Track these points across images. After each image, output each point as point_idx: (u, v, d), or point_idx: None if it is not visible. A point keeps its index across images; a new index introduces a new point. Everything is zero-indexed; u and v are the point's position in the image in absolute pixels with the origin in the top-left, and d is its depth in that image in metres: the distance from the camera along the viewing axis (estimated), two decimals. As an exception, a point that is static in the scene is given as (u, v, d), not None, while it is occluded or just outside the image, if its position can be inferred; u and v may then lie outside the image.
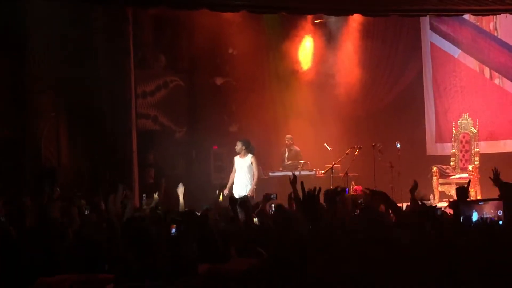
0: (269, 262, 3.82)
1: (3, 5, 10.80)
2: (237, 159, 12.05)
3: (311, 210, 4.85)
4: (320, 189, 5.74)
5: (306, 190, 5.00)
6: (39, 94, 11.66)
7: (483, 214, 5.73)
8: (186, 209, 7.98)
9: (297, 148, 13.73)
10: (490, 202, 5.86)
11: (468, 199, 6.21)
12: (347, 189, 8.77)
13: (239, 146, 12.10)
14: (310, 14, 13.32)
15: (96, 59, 12.24)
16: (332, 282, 3.79)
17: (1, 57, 11.33)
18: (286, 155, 13.71)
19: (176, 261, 4.14)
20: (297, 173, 13.02)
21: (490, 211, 5.76)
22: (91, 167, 12.01)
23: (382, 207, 6.12)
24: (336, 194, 7.41)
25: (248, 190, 11.69)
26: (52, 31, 11.60)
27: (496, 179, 5.82)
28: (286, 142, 13.75)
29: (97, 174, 11.53)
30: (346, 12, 12.03)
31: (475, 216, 5.85)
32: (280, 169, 13.54)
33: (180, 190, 8.82)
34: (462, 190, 5.94)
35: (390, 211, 5.89)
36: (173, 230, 6.54)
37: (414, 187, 6.63)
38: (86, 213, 7.64)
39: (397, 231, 4.80)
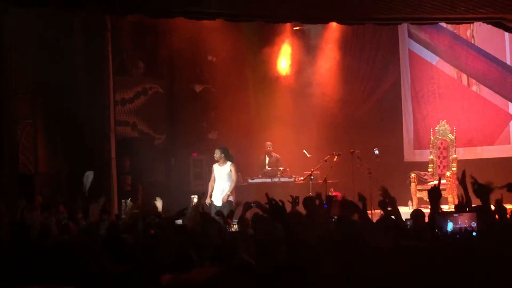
0: (231, 271, 3.81)
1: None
2: (216, 167, 12.03)
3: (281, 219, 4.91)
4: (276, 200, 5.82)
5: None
6: (16, 100, 11.57)
7: (458, 224, 5.75)
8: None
9: (277, 155, 13.78)
10: (465, 214, 5.88)
11: (440, 200, 6.20)
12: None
13: (218, 154, 12.08)
14: (286, 22, 13.32)
15: (75, 66, 12.19)
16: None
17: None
18: (267, 161, 13.75)
19: (147, 268, 4.13)
20: (276, 179, 13.17)
21: (465, 221, 5.77)
22: (69, 174, 11.93)
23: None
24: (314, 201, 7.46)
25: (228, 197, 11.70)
26: (30, 35, 11.54)
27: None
28: (267, 149, 13.79)
29: (75, 181, 11.44)
30: (321, 20, 12.06)
31: (449, 226, 5.88)
32: (260, 176, 13.57)
33: (159, 204, 8.81)
34: (434, 190, 5.94)
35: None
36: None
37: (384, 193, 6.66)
38: (63, 222, 7.57)
39: (370, 237, 4.81)
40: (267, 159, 13.77)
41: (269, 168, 13.62)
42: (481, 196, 5.48)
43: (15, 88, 11.43)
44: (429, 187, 12.68)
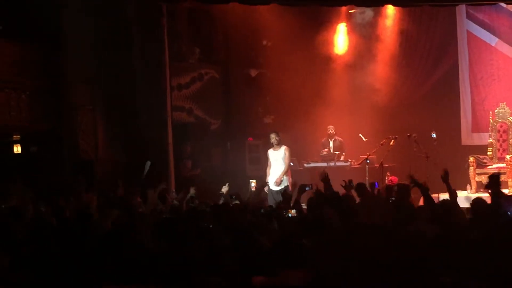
0: (321, 277, 3.81)
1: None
2: (271, 152, 12.06)
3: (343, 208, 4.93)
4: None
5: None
6: (75, 87, 11.83)
7: None
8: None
9: (340, 139, 13.72)
10: None
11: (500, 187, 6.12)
12: (376, 184, 8.74)
13: (276, 138, 12.09)
14: (340, 5, 13.25)
15: (132, 52, 12.37)
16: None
17: (37, 50, 11.52)
18: (331, 145, 13.70)
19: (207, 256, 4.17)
20: (332, 164, 13.11)
21: None
22: (127, 159, 12.14)
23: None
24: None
25: (284, 182, 11.74)
26: (87, 24, 11.75)
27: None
28: (329, 131, 13.73)
29: (134, 167, 11.64)
30: (376, 3, 11.95)
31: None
32: (321, 160, 13.48)
33: (225, 190, 8.88)
34: (494, 178, 5.84)
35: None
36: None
37: (446, 175, 6.59)
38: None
39: (426, 225, 4.78)
40: (331, 142, 13.72)
41: (324, 153, 13.56)
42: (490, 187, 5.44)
43: (74, 76, 11.70)
44: (488, 171, 12.57)
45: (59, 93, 11.62)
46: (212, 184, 11.04)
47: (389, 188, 7.48)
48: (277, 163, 11.92)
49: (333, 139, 13.72)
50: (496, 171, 12.62)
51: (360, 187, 7.69)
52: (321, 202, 6.34)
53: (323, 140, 13.87)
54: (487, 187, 5.70)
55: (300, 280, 3.74)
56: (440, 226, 4.63)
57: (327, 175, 7.35)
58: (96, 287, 4.18)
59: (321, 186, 7.62)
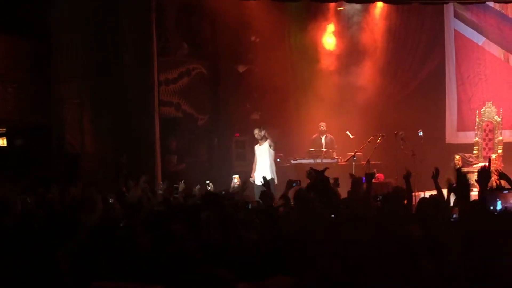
0: (309, 282, 3.77)
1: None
2: (257, 148, 12.09)
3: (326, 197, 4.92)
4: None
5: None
6: (63, 81, 11.79)
7: (509, 203, 5.73)
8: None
9: (331, 136, 13.73)
10: None
11: (489, 182, 6.10)
12: (363, 178, 8.73)
13: (261, 133, 12.10)
14: (332, 1, 13.29)
15: (120, 46, 12.33)
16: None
17: (26, 45, 11.47)
18: (323, 141, 13.70)
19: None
20: (319, 160, 13.14)
21: None
22: (114, 153, 12.11)
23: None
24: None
25: (270, 174, 11.75)
26: (76, 18, 11.71)
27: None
28: (321, 128, 13.73)
29: (119, 161, 11.62)
30: (367, -1, 12.02)
31: (499, 205, 5.84)
32: (308, 156, 13.48)
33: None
34: (484, 171, 5.80)
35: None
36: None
37: (436, 174, 6.59)
38: (110, 201, 7.68)
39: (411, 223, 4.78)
40: (322, 139, 13.72)
41: (311, 149, 13.58)
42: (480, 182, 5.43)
43: (62, 70, 11.66)
44: (474, 170, 12.62)
45: (46, 86, 11.57)
46: (197, 179, 11.04)
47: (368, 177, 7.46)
48: (262, 158, 11.96)
49: (324, 136, 13.74)
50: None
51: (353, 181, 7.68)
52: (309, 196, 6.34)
53: (314, 136, 13.87)
54: (477, 181, 5.66)
55: (287, 286, 3.69)
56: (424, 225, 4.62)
57: (314, 171, 7.35)
58: (86, 283, 4.14)
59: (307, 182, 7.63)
